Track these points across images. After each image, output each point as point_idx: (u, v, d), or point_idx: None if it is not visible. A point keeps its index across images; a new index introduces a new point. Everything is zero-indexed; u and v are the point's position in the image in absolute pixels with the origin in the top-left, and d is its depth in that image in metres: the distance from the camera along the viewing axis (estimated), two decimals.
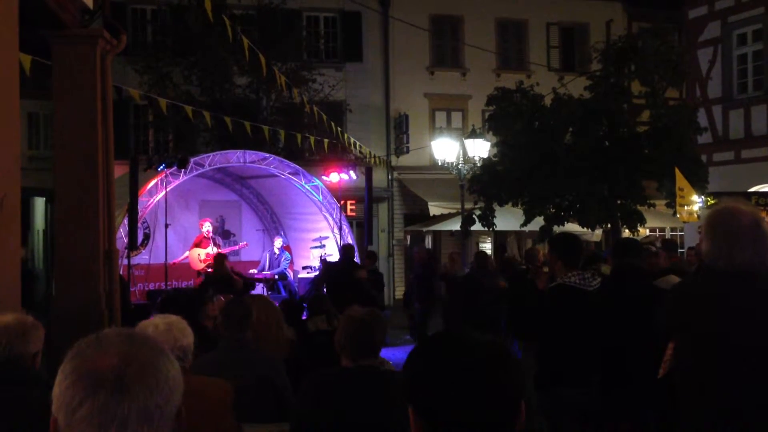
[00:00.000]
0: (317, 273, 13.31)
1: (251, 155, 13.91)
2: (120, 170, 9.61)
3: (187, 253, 13.78)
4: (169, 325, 3.02)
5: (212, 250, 13.25)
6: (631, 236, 13.66)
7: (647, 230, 16.83)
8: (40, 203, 20.34)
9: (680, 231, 19.81)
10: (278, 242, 14.56)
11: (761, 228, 2.57)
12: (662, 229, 21.11)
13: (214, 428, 3.00)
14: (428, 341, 1.40)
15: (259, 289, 13.20)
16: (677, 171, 11.82)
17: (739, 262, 2.53)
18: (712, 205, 11.42)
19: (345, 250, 11.36)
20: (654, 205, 14.93)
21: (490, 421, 1.27)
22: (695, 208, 11.73)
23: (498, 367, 1.30)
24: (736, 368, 2.49)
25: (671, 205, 13.34)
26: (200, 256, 13.25)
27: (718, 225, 2.62)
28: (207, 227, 13.64)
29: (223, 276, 10.55)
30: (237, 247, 14.68)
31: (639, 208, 14.40)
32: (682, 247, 15.72)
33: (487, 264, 10.40)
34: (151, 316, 8.30)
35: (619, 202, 14.42)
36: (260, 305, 4.41)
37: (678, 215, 12.51)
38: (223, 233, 15.31)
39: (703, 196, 12.43)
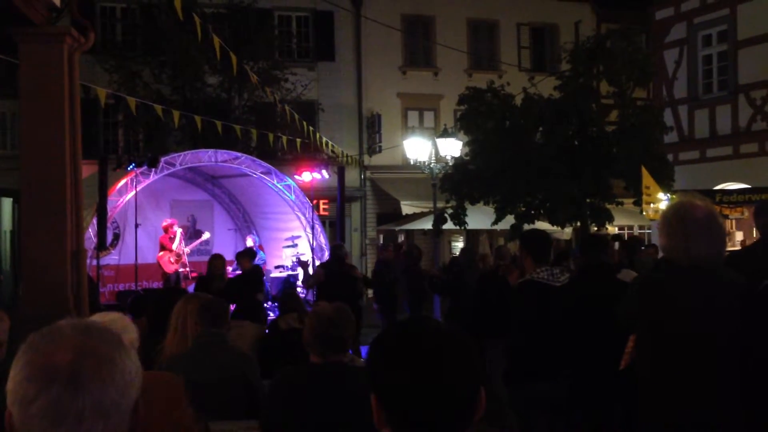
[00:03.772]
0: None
1: (223, 154, 13.84)
2: (89, 170, 9.52)
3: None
4: (111, 321, 3.01)
5: (182, 249, 13.17)
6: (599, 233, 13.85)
7: (615, 228, 17.08)
8: (7, 204, 19.99)
9: (648, 229, 20.12)
10: (249, 242, 14.50)
11: (715, 221, 2.63)
12: (630, 227, 21.42)
13: (166, 420, 2.99)
14: (389, 329, 1.42)
15: None
16: (644, 169, 12.02)
17: (694, 255, 2.60)
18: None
19: (336, 249, 11.37)
20: (622, 204, 15.15)
21: (448, 408, 1.30)
22: (661, 206, 11.93)
23: (456, 354, 1.33)
24: (692, 359, 2.56)
25: (638, 203, 13.55)
26: (170, 258, 13.11)
27: (673, 220, 2.68)
28: (175, 228, 13.46)
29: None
30: (200, 240, 14.54)
31: (607, 206, 14.60)
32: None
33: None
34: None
35: (588, 200, 14.61)
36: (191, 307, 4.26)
37: (644, 213, 12.72)
38: (194, 233, 15.21)
39: (668, 194, 12.64)
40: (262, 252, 14.51)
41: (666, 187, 13.32)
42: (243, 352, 4.02)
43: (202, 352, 3.80)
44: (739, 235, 15.79)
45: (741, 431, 2.51)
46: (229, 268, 14.08)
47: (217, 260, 9.14)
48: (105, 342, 1.22)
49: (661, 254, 4.08)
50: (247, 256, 9.78)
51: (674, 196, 12.77)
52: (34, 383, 1.15)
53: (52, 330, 1.22)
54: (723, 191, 14.04)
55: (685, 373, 2.57)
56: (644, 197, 11.97)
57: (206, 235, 14.72)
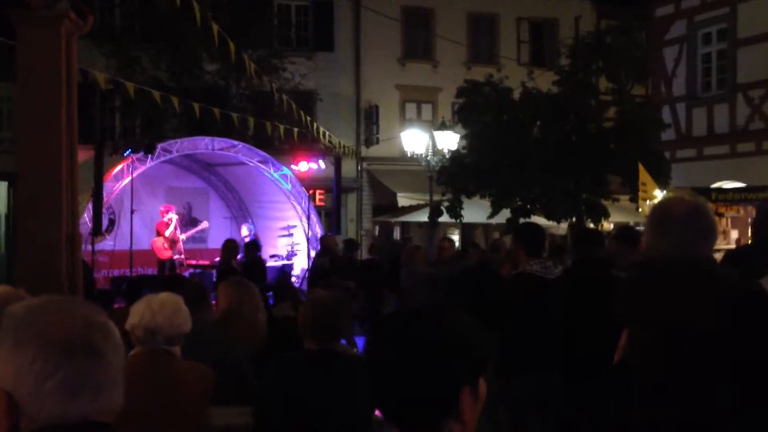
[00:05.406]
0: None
1: (220, 142, 13.81)
2: (86, 155, 9.49)
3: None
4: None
5: (178, 235, 13.13)
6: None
7: (611, 224, 17.11)
8: (2, 187, 19.92)
9: (643, 225, 20.16)
10: (244, 230, 14.44)
11: (700, 217, 2.57)
12: (626, 223, 21.43)
13: (193, 414, 3.01)
14: (382, 321, 1.44)
15: None
16: (640, 166, 12.04)
17: (664, 251, 2.58)
18: None
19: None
20: (618, 200, 15.19)
21: (428, 398, 1.29)
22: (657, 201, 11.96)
23: (441, 347, 1.32)
24: (672, 356, 2.55)
25: (635, 199, 13.58)
26: (165, 245, 13.08)
27: (655, 216, 2.67)
28: (170, 215, 13.43)
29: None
30: (198, 228, 14.51)
31: (604, 202, 14.64)
32: None
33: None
34: (115, 303, 8.21)
35: (584, 196, 14.64)
36: (251, 291, 4.37)
37: (640, 210, 12.75)
38: (189, 220, 15.17)
39: (665, 191, 12.66)
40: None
41: (662, 184, 13.35)
42: (231, 336, 4.02)
43: (190, 337, 3.79)
44: (734, 234, 15.84)
45: (727, 428, 2.51)
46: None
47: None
48: (96, 311, 1.22)
49: None
50: (254, 247, 9.97)
51: (670, 193, 12.80)
52: (51, 357, 1.13)
53: (45, 304, 1.20)
54: (719, 190, 14.06)
55: (666, 370, 2.57)
56: (640, 194, 12.00)
57: (204, 224, 14.68)
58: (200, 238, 14.63)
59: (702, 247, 2.58)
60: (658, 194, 12.10)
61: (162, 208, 13.58)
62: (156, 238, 13.23)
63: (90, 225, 10.81)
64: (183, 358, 3.23)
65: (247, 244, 10.67)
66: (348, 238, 13.70)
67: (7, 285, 3.13)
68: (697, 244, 2.56)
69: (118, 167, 12.26)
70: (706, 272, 2.60)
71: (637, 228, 19.39)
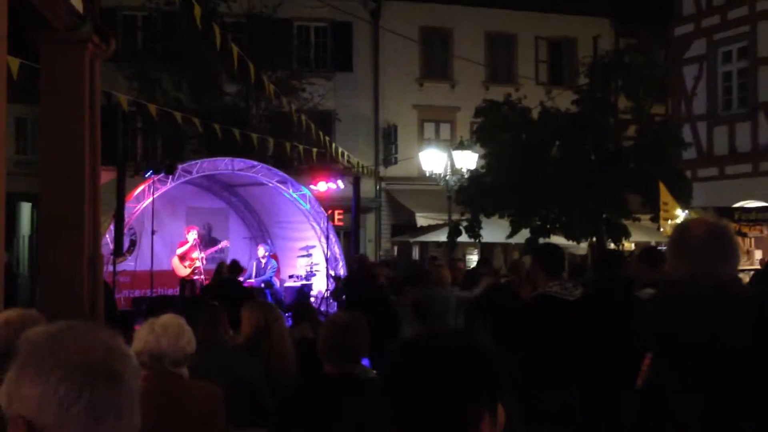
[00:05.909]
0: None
1: (239, 163, 13.91)
2: (107, 176, 9.60)
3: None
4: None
5: (197, 255, 13.21)
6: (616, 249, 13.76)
7: (632, 244, 16.95)
8: (26, 208, 20.20)
9: (665, 245, 19.95)
10: (261, 251, 14.45)
11: (721, 238, 2.57)
12: (647, 243, 21.23)
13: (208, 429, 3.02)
14: (401, 345, 1.43)
15: None
16: (661, 185, 11.94)
17: (685, 273, 2.57)
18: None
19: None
20: (639, 219, 15.05)
21: (447, 423, 1.28)
22: (678, 222, 11.84)
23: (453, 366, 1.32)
24: (695, 378, 2.52)
25: (656, 219, 13.45)
26: (184, 263, 13.19)
27: (676, 238, 2.68)
28: (193, 235, 13.58)
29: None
30: (219, 247, 14.60)
31: (624, 222, 14.51)
32: None
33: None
34: (136, 324, 8.27)
35: (604, 215, 14.53)
36: (278, 314, 4.37)
37: (662, 229, 12.62)
38: (210, 241, 15.26)
39: (686, 211, 12.54)
40: (273, 261, 14.51)
41: (684, 203, 13.22)
42: (246, 356, 4.02)
43: (205, 358, 3.80)
44: (758, 254, 15.61)
45: None
46: (240, 278, 14.14)
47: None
48: (114, 336, 1.23)
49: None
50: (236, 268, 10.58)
51: (692, 213, 12.69)
52: (74, 383, 1.13)
53: (65, 330, 1.21)
54: (742, 209, 13.90)
55: (690, 392, 2.54)
56: (662, 213, 11.88)
57: (224, 243, 14.78)
58: (220, 258, 14.71)
59: (721, 269, 2.56)
60: (680, 214, 11.99)
61: (187, 229, 13.79)
62: (174, 258, 13.37)
63: (111, 246, 10.91)
64: (197, 378, 3.25)
65: (230, 264, 10.78)
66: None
67: (23, 308, 3.16)
68: (715, 266, 2.54)
69: (140, 188, 12.39)
70: (731, 294, 2.58)
71: (660, 248, 19.16)
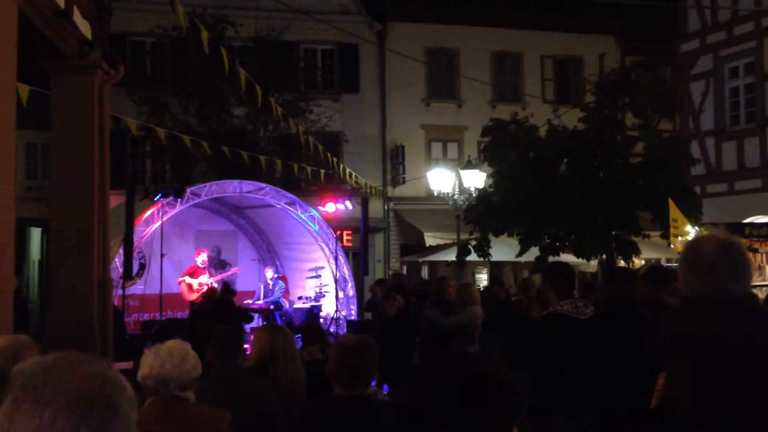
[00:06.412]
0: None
1: (248, 185, 13.96)
2: (117, 200, 9.65)
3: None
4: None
5: (206, 280, 13.21)
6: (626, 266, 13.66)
7: (642, 261, 16.85)
8: (36, 234, 20.30)
9: (675, 262, 19.84)
10: (269, 273, 14.42)
11: (727, 256, 2.55)
12: (657, 260, 21.11)
13: None
14: (413, 368, 1.42)
15: (256, 319, 13.14)
16: (671, 202, 11.88)
17: (698, 291, 2.56)
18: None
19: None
20: (649, 236, 14.97)
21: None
22: (689, 238, 11.76)
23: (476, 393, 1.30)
24: (715, 396, 2.49)
25: (666, 236, 13.37)
26: (192, 286, 13.15)
27: (688, 254, 2.66)
28: (202, 258, 13.59)
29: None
30: (229, 273, 14.61)
31: (634, 238, 14.43)
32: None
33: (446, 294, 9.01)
34: (146, 347, 8.29)
35: (614, 232, 14.46)
36: (286, 337, 4.34)
37: (672, 246, 12.54)
38: (218, 263, 15.28)
39: (696, 227, 12.46)
40: (281, 282, 14.49)
41: (694, 219, 13.15)
42: (262, 382, 3.99)
43: (221, 384, 3.79)
44: None
45: None
46: (249, 300, 14.14)
47: None
48: (109, 366, 1.23)
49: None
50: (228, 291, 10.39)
51: (702, 229, 12.61)
52: (72, 414, 1.12)
53: (60, 361, 1.20)
54: (752, 224, 13.81)
55: (711, 412, 2.51)
56: (672, 230, 11.81)
57: (235, 270, 14.79)
58: (230, 280, 14.71)
59: (734, 286, 2.55)
60: (690, 230, 11.91)
61: (197, 253, 13.79)
62: (183, 283, 13.35)
63: (121, 270, 10.92)
64: (209, 403, 3.24)
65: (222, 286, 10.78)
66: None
67: (13, 334, 3.17)
68: (728, 283, 2.53)
69: (149, 212, 12.43)
70: (746, 311, 2.56)
71: (668, 265, 19.16)
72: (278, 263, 16.34)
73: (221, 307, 9.34)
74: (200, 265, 13.44)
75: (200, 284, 13.14)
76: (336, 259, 15.02)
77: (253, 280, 15.40)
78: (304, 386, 4.25)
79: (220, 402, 3.35)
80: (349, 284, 15.54)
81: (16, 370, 1.18)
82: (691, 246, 2.70)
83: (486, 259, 15.59)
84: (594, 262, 16.38)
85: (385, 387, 7.86)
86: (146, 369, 3.05)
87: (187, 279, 13.21)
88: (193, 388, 3.14)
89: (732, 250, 2.59)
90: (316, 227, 15.15)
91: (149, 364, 3.05)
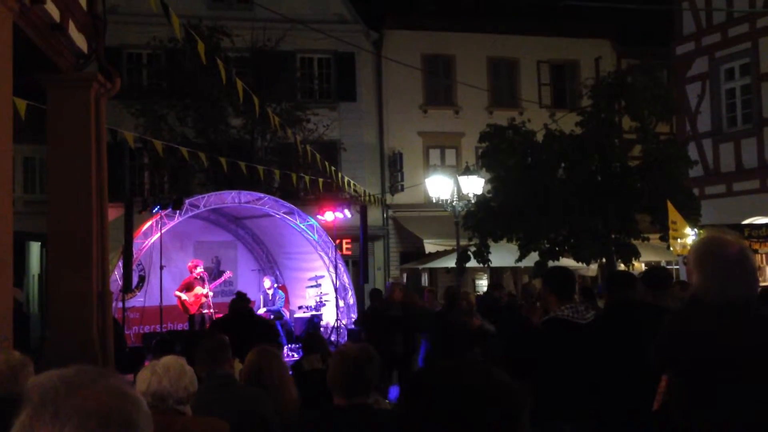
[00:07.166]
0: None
1: (246, 195, 13.95)
2: (115, 212, 9.65)
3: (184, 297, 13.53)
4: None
5: (203, 290, 13.16)
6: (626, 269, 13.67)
7: (642, 264, 16.84)
8: (35, 248, 20.27)
9: (675, 264, 19.82)
10: (267, 282, 14.35)
11: (748, 259, 2.59)
12: (657, 263, 21.10)
13: None
14: (417, 376, 1.41)
15: None
16: (669, 204, 11.90)
17: (730, 295, 2.54)
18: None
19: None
20: (648, 239, 14.97)
21: None
22: (688, 240, 11.76)
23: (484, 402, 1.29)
24: (728, 401, 2.48)
25: (665, 238, 13.37)
26: (187, 302, 13.07)
27: (707, 257, 2.61)
28: (199, 269, 13.51)
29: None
30: (222, 279, 14.55)
31: (633, 241, 14.44)
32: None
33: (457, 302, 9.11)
34: (146, 360, 8.24)
35: (613, 236, 14.47)
36: (269, 356, 4.34)
37: (671, 248, 12.55)
38: (217, 274, 15.25)
39: (695, 229, 12.47)
40: (281, 291, 14.45)
41: (693, 221, 13.15)
42: (254, 390, 3.98)
43: (213, 394, 3.77)
44: None
45: None
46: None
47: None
48: (126, 383, 1.23)
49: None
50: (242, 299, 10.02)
51: (701, 231, 12.61)
52: (91, 430, 1.12)
53: (79, 376, 1.20)
54: (751, 225, 13.81)
55: (719, 415, 2.49)
56: (671, 232, 11.82)
57: (227, 274, 14.75)
58: (229, 290, 14.67)
59: (755, 287, 2.58)
60: (689, 232, 11.92)
61: (190, 264, 13.67)
62: (181, 295, 13.28)
63: (120, 282, 10.90)
64: (207, 414, 3.24)
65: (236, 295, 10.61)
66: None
67: (15, 351, 3.17)
68: (752, 284, 2.55)
69: (147, 224, 12.42)
70: (753, 312, 2.57)
71: (668, 267, 19.13)
72: (278, 273, 16.32)
73: (239, 319, 9.13)
74: (196, 276, 13.35)
75: (196, 296, 13.09)
76: (336, 267, 15.01)
77: (253, 290, 15.34)
78: (296, 402, 4.26)
79: (218, 413, 3.35)
80: (350, 292, 15.52)
81: (35, 383, 1.19)
82: (714, 248, 2.62)
83: (486, 265, 15.58)
84: (594, 266, 16.38)
85: (392, 393, 7.86)
86: (143, 385, 3.05)
87: (183, 296, 13.07)
88: (190, 402, 3.15)
89: (749, 251, 2.62)
90: (316, 236, 15.14)
91: (146, 381, 3.07)
